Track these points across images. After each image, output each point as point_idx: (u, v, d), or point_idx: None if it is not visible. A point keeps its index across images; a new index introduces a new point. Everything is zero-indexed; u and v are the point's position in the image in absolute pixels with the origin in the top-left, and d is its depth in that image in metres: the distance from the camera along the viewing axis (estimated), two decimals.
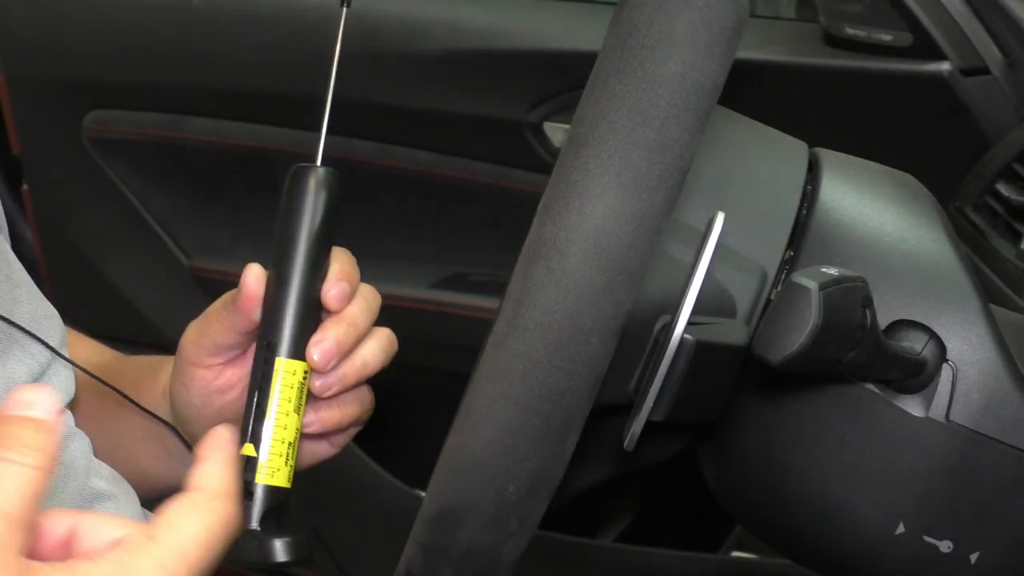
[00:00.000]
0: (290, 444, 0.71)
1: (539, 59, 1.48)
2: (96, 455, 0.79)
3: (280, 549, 0.70)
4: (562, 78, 1.47)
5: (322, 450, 0.78)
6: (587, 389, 0.53)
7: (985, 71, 1.30)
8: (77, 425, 0.79)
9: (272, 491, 0.71)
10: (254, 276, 0.72)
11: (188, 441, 0.79)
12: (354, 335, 0.72)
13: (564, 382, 0.52)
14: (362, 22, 1.58)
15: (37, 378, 0.73)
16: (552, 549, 1.55)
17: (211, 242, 1.70)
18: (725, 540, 1.59)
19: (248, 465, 0.71)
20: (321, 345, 0.71)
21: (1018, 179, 1.03)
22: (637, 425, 0.58)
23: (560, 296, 0.51)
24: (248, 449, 0.71)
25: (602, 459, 0.69)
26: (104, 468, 0.78)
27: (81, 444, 0.76)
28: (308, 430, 0.73)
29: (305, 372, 0.72)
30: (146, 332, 1.65)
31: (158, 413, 0.80)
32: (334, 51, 0.75)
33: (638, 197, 0.51)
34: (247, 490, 0.70)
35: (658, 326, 0.61)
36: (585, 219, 0.51)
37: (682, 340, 0.58)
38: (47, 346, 0.74)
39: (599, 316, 0.52)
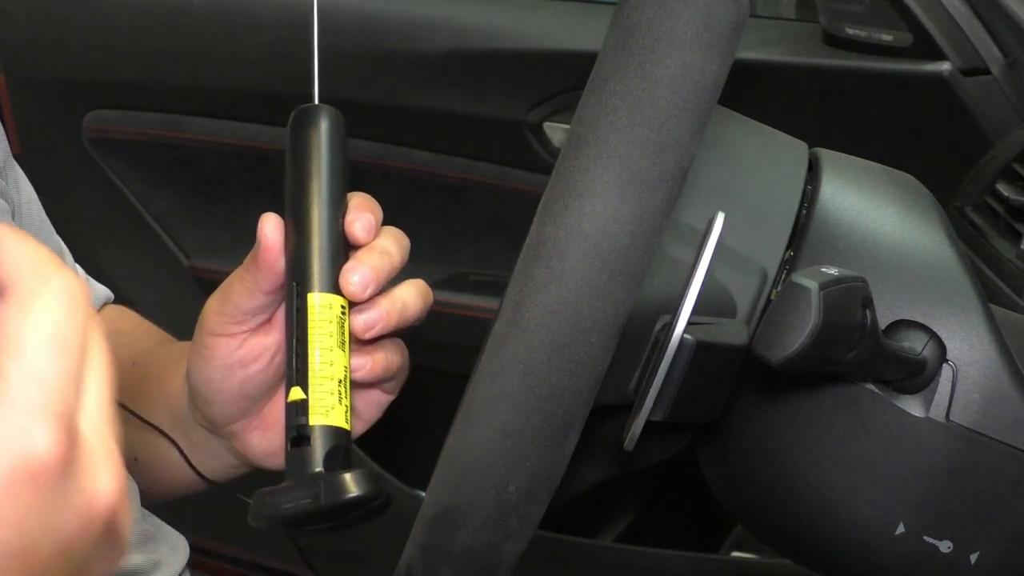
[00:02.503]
0: (340, 381, 0.67)
1: (539, 59, 1.49)
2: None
3: (352, 483, 0.65)
4: (562, 78, 1.47)
5: (378, 398, 0.74)
6: (587, 389, 0.53)
7: (985, 71, 1.30)
8: None
9: (329, 431, 0.66)
10: (272, 225, 0.69)
11: (184, 453, 0.79)
12: (388, 264, 0.68)
13: (564, 382, 0.52)
14: (362, 22, 1.58)
15: None
16: (552, 549, 1.55)
17: (211, 242, 1.70)
18: (725, 540, 1.59)
19: (299, 409, 0.66)
20: (355, 271, 0.67)
21: (1018, 179, 1.03)
22: (637, 425, 0.58)
23: (560, 296, 0.51)
24: (296, 393, 0.67)
25: (602, 459, 0.69)
26: None
27: None
28: (357, 375, 0.69)
29: (342, 306, 0.68)
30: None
31: (177, 403, 0.78)
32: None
33: (638, 197, 0.51)
34: (302, 434, 0.66)
35: (658, 326, 0.61)
36: (585, 219, 0.51)
37: (682, 340, 0.58)
38: None
39: (599, 316, 0.52)
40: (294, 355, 0.67)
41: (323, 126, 0.70)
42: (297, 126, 0.71)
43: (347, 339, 0.68)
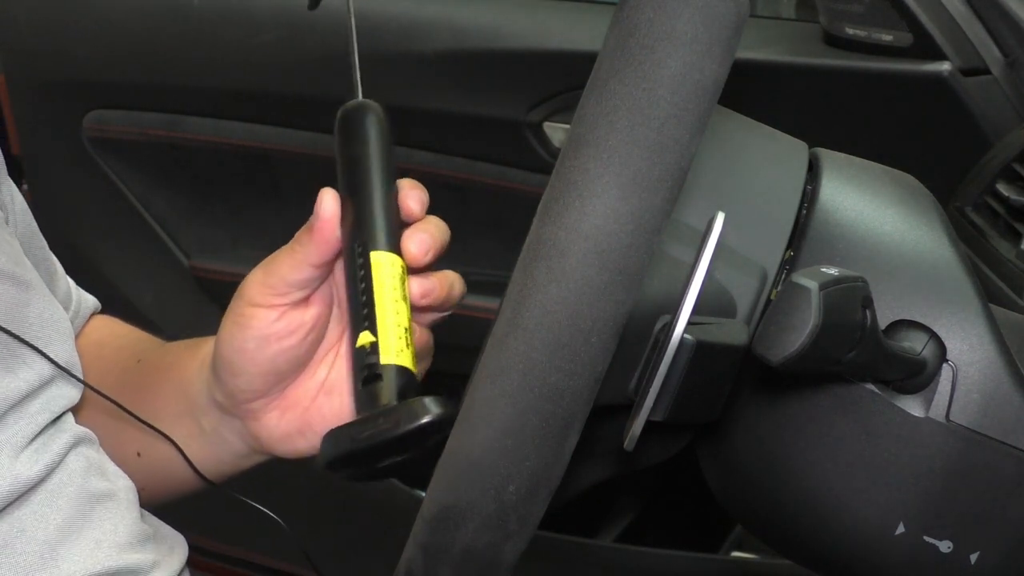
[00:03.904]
0: (406, 329, 0.70)
1: (539, 59, 1.49)
2: (112, 448, 0.79)
3: (431, 405, 0.66)
4: (562, 78, 1.47)
5: None
6: (587, 389, 0.53)
7: (985, 71, 1.30)
8: (94, 417, 0.79)
9: (400, 370, 0.69)
10: (330, 198, 0.72)
11: (182, 451, 0.79)
12: (441, 238, 0.73)
13: (564, 382, 0.52)
14: (362, 22, 1.58)
15: (37, 389, 0.73)
16: (552, 549, 1.55)
17: (211, 242, 1.70)
18: (725, 540, 1.59)
19: (370, 351, 0.69)
20: (415, 238, 0.71)
21: (1018, 179, 1.03)
22: (637, 425, 0.58)
23: (560, 296, 0.51)
24: (365, 337, 0.69)
25: (602, 459, 0.69)
26: (108, 464, 0.78)
27: (80, 450, 0.76)
28: None
29: (403, 267, 0.71)
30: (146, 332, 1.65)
31: (191, 387, 0.79)
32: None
33: (638, 197, 0.51)
34: (374, 373, 0.68)
35: (658, 326, 0.61)
36: (585, 219, 0.51)
37: (682, 340, 0.58)
38: (48, 359, 0.73)
39: (599, 316, 0.52)
40: (360, 304, 0.70)
41: (372, 116, 0.74)
42: (347, 118, 0.74)
43: (408, 297, 0.71)
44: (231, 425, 0.78)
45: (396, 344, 0.69)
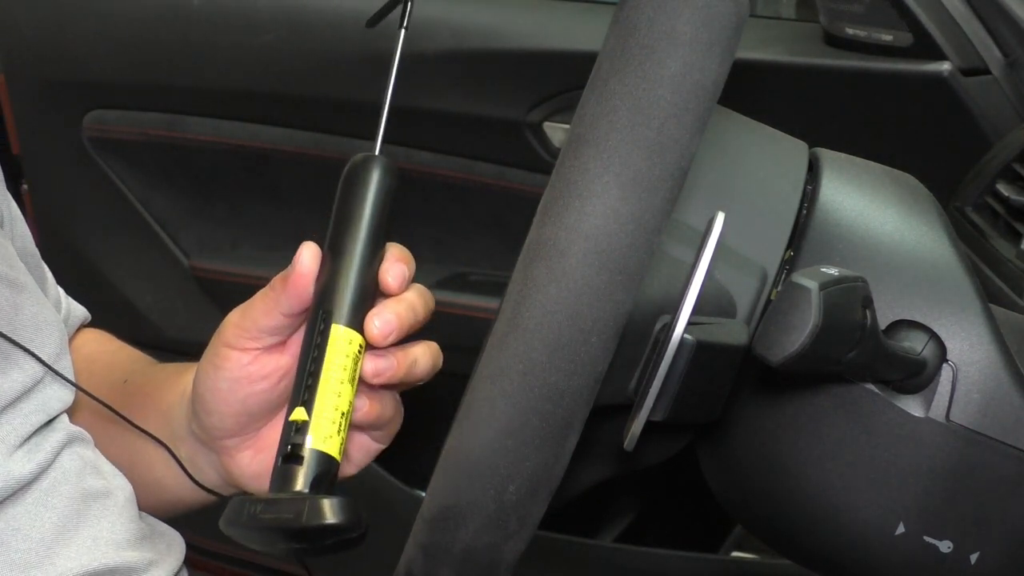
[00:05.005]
0: (343, 414, 0.69)
1: (539, 59, 1.49)
2: (106, 452, 0.79)
3: (336, 508, 0.66)
4: (562, 78, 1.47)
5: (368, 444, 0.76)
6: (587, 389, 0.53)
7: (985, 71, 1.30)
8: (86, 427, 0.79)
9: (322, 457, 0.68)
10: (309, 253, 0.70)
11: (180, 460, 0.79)
12: (411, 319, 0.71)
13: (564, 382, 0.52)
14: (362, 23, 1.58)
15: (30, 389, 0.73)
16: (552, 549, 1.55)
17: (211, 242, 1.70)
18: (725, 540, 1.59)
19: (298, 429, 0.68)
20: (381, 317, 0.69)
21: (1018, 179, 1.03)
22: (637, 425, 0.58)
23: (560, 296, 0.51)
24: (299, 413, 0.68)
25: (602, 459, 0.69)
26: (103, 464, 0.78)
27: (74, 449, 0.76)
28: (356, 415, 0.71)
29: (360, 346, 0.70)
30: (146, 332, 1.65)
31: (172, 415, 0.79)
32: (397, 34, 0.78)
33: (638, 197, 0.51)
34: (296, 454, 0.68)
35: (658, 326, 0.61)
36: (585, 219, 0.51)
37: (682, 340, 0.58)
38: (39, 360, 0.73)
39: (599, 316, 0.52)
40: (305, 377, 0.69)
41: (376, 174, 0.72)
42: (353, 171, 0.73)
43: (357, 377, 0.70)
44: (207, 457, 0.79)
45: (327, 429, 0.68)
